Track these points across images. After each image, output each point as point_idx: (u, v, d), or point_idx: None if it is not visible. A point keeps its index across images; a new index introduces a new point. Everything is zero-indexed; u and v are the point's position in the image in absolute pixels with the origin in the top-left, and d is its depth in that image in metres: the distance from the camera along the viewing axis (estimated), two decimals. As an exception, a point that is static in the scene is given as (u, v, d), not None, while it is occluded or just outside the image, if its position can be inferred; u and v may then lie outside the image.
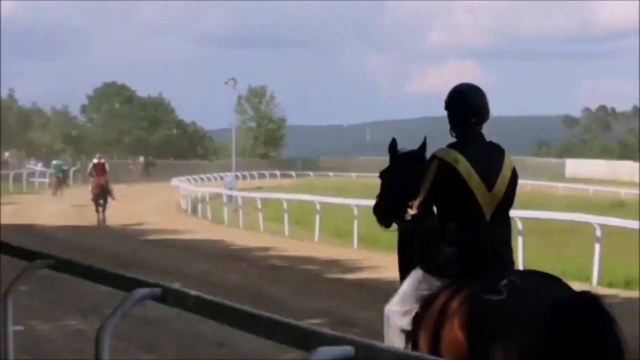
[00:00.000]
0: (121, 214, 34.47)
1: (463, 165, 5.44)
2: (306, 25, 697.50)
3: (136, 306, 5.28)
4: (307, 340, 4.08)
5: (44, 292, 14.41)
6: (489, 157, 5.55)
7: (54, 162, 53.79)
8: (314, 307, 13.84)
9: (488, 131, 5.65)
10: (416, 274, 5.65)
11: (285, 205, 29.04)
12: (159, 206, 43.76)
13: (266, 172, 77.41)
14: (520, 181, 5.77)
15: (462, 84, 5.76)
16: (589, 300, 4.91)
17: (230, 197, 38.28)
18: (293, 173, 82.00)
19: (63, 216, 35.58)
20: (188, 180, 55.30)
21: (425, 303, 5.50)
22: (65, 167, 57.41)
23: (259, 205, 32.11)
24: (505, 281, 5.11)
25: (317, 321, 11.85)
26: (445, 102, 5.69)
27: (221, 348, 10.48)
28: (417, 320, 5.55)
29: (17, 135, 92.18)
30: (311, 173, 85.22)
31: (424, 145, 6.36)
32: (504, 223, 5.61)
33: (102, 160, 34.99)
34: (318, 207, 27.01)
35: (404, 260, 6.03)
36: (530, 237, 19.12)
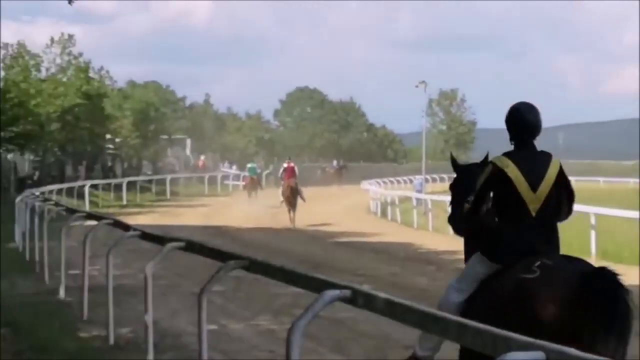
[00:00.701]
0: (312, 216, 34.93)
1: (512, 171, 6.48)
2: (496, 27, 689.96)
3: (326, 307, 5.33)
4: (497, 344, 4.03)
5: (236, 293, 14.76)
6: (536, 164, 6.55)
7: (249, 165, 54.97)
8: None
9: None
10: (477, 258, 6.74)
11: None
12: (349, 208, 44.10)
13: (456, 175, 76.75)
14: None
15: (520, 103, 6.72)
16: (604, 273, 5.91)
17: (419, 199, 38.22)
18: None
19: (255, 218, 36.32)
20: (377, 183, 55.55)
21: (482, 286, 6.56)
22: (259, 170, 58.68)
23: (448, 209, 31.84)
24: (538, 263, 6.09)
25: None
26: (505, 117, 6.70)
27: (409, 350, 10.44)
28: (472, 299, 6.59)
29: (212, 139, 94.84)
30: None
31: (486, 159, 7.30)
32: (550, 217, 6.58)
33: (292, 164, 35.89)
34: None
35: (468, 246, 7.26)
36: None
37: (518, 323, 5.57)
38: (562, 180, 6.62)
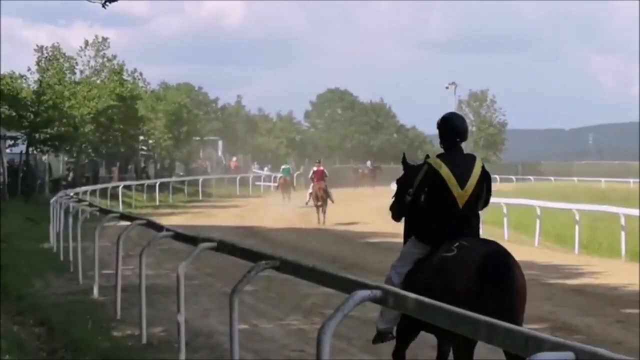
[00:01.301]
0: (343, 216, 34.96)
1: (444, 170, 7.65)
2: (527, 28, 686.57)
3: (356, 307, 5.37)
4: (527, 345, 4.06)
5: (267, 292, 14.81)
6: (464, 164, 7.74)
7: (284, 166, 55.08)
8: (532, 312, 13.54)
9: None
10: (413, 241, 7.98)
11: (504, 210, 28.69)
12: (380, 209, 43.84)
13: (486, 176, 76.40)
14: None
15: (450, 113, 8.02)
16: (500, 253, 7.13)
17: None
18: (513, 177, 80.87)
19: (287, 218, 36.36)
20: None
21: (416, 265, 7.75)
22: (291, 172, 58.77)
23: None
24: (457, 244, 7.29)
25: (536, 326, 11.63)
26: (437, 124, 7.82)
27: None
28: (410, 276, 7.74)
29: (244, 141, 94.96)
30: (531, 177, 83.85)
31: (427, 158, 8.31)
32: (473, 209, 7.80)
33: (322, 167, 36.75)
34: (538, 211, 26.55)
35: (407, 232, 8.36)
36: None
37: (440, 293, 6.55)
38: (483, 177, 7.81)
